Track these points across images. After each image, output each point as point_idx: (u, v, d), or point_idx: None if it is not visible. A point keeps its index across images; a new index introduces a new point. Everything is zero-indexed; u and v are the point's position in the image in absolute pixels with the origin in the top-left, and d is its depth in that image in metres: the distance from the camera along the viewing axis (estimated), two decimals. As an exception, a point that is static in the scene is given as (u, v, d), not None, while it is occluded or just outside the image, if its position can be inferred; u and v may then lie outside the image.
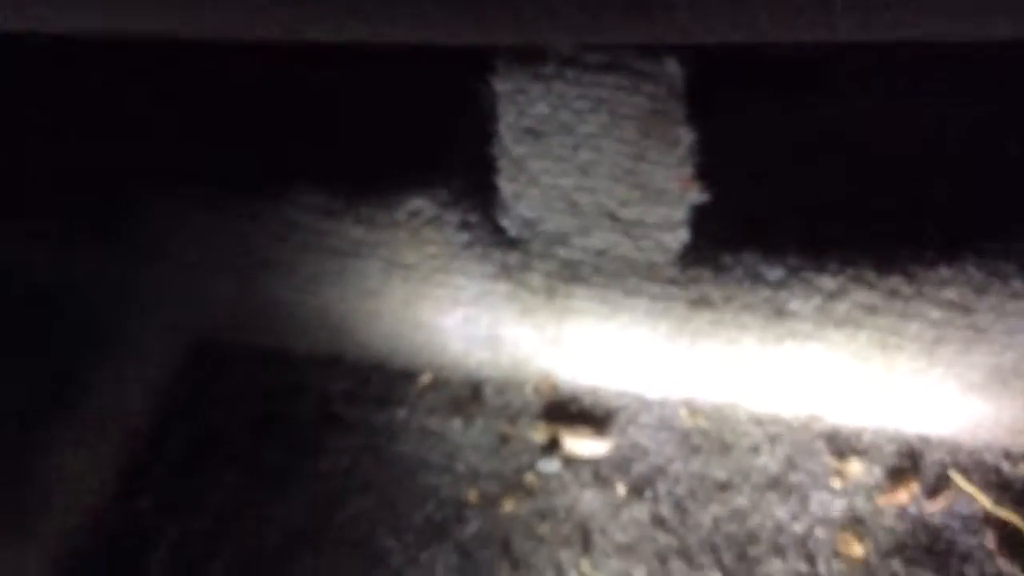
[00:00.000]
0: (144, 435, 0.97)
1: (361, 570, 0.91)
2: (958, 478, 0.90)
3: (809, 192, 0.82)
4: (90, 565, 0.91)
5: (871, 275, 0.76)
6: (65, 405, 0.94)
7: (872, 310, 0.77)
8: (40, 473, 0.91)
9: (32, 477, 0.91)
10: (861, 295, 0.76)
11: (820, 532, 0.90)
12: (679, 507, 0.93)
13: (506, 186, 0.80)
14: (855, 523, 0.90)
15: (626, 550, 0.91)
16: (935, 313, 0.75)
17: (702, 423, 0.97)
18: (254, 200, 0.84)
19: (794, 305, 0.80)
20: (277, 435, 0.98)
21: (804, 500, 0.91)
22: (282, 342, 1.00)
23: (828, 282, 0.77)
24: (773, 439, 0.95)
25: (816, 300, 0.79)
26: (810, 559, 0.89)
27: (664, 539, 0.91)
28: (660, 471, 0.95)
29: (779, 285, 0.77)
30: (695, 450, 0.97)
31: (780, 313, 0.79)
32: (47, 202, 0.90)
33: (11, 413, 0.92)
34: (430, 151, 0.89)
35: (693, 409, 0.97)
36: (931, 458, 0.93)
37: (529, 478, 0.96)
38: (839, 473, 0.92)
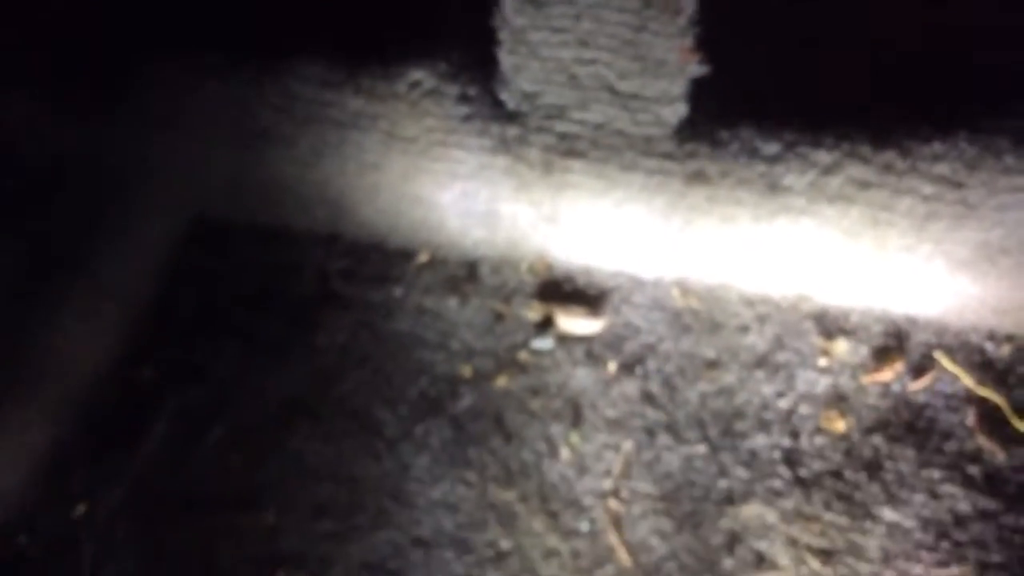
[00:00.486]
0: (146, 306, 0.98)
1: (357, 439, 0.93)
2: (942, 358, 0.91)
3: (808, 69, 0.83)
4: (92, 430, 0.92)
5: (866, 150, 0.77)
6: (68, 274, 0.95)
7: (865, 185, 0.78)
8: (44, 341, 0.92)
9: (36, 345, 0.92)
10: (855, 170, 0.77)
11: (804, 409, 0.91)
12: (668, 384, 0.95)
13: (506, 59, 0.81)
14: (839, 400, 0.92)
15: (615, 424, 0.93)
16: (927, 188, 0.76)
17: (693, 303, 0.98)
18: (256, 69, 0.84)
19: (789, 180, 0.80)
20: (276, 310, 0.99)
21: (790, 378, 0.93)
22: (282, 219, 1.00)
23: (823, 156, 0.78)
24: (762, 319, 0.96)
25: (811, 175, 0.79)
26: (794, 434, 0.91)
27: (652, 414, 0.93)
28: (650, 349, 0.97)
29: (775, 160, 0.78)
30: (685, 329, 0.98)
31: (774, 188, 0.80)
32: (50, 68, 0.90)
33: (14, 282, 0.93)
34: (431, 22, 0.89)
35: (685, 289, 0.98)
36: (917, 338, 0.94)
37: (522, 355, 0.97)
38: (825, 352, 0.93)
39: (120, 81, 0.89)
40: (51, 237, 0.95)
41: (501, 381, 0.96)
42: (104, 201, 0.96)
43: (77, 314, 0.94)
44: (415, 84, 0.84)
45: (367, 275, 1.02)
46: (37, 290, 0.94)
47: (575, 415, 0.94)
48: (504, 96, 0.85)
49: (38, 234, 0.94)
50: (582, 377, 0.95)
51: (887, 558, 0.82)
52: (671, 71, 0.78)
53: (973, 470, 0.86)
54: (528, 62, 0.81)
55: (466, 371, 0.96)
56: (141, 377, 0.98)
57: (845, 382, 0.92)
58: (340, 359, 0.98)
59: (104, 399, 0.97)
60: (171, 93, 0.88)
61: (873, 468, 0.86)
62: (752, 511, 0.85)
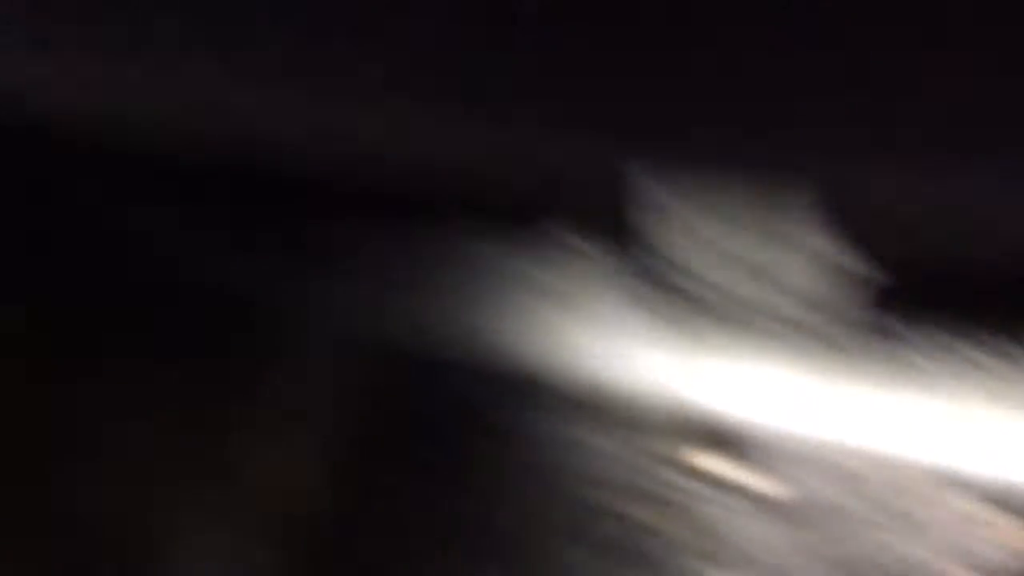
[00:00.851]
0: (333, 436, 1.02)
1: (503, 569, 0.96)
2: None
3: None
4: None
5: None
6: (254, 401, 1.00)
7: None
8: (241, 470, 0.97)
9: (236, 474, 0.97)
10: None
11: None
12: (816, 530, 0.94)
13: (648, 225, 0.83)
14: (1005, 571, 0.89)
15: (757, 566, 0.93)
16: None
17: (848, 461, 0.97)
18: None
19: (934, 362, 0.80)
20: (425, 438, 1.03)
21: (952, 544, 0.89)
22: (430, 349, 1.04)
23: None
24: (914, 482, 0.95)
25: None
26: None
27: (796, 560, 0.93)
28: (800, 498, 0.96)
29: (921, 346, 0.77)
30: (835, 480, 0.98)
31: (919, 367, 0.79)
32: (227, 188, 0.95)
33: (201, 412, 0.98)
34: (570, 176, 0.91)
35: (839, 447, 0.97)
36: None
37: (664, 490, 0.98)
38: (991, 526, 0.91)
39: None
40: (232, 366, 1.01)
41: (641, 513, 0.97)
42: (283, 330, 1.01)
43: (269, 443, 0.99)
44: (556, 233, 0.87)
45: (514, 406, 1.05)
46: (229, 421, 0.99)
47: (717, 552, 0.95)
48: (643, 253, 0.87)
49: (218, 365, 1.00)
50: (727, 517, 0.96)
51: None
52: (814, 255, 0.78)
53: None
54: (670, 230, 0.82)
55: (607, 501, 0.98)
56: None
57: (1008, 559, 0.90)
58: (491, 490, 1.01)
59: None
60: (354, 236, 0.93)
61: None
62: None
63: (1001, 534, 0.88)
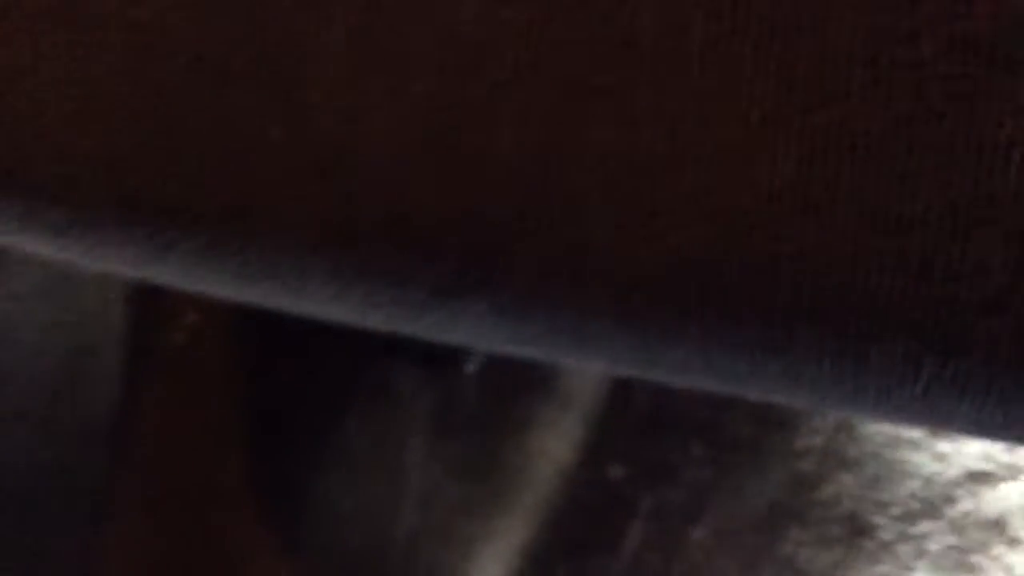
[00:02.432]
0: (602, 405, 0.98)
1: (851, 544, 0.90)
2: None
3: None
4: (569, 532, 0.91)
5: None
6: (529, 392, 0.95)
7: None
8: (512, 448, 0.92)
9: (506, 452, 0.92)
10: None
11: None
12: None
13: None
14: None
15: None
16: None
17: None
18: None
19: None
20: (743, 410, 0.98)
21: None
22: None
23: None
24: None
25: None
26: None
27: None
28: None
29: None
30: None
31: None
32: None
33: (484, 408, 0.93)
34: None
35: None
36: None
37: (1022, 461, 0.94)
38: None
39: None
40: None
41: (999, 487, 0.92)
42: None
43: (541, 425, 0.94)
44: None
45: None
46: (503, 410, 0.94)
47: None
48: None
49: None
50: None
51: None
52: None
53: None
54: None
55: (956, 473, 0.93)
56: (610, 477, 0.97)
57: None
58: (820, 462, 0.95)
59: (577, 500, 0.96)
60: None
61: None
62: None
63: None
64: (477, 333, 0.34)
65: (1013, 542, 0.84)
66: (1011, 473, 0.88)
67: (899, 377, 0.28)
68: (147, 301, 0.89)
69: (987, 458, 0.90)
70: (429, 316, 0.33)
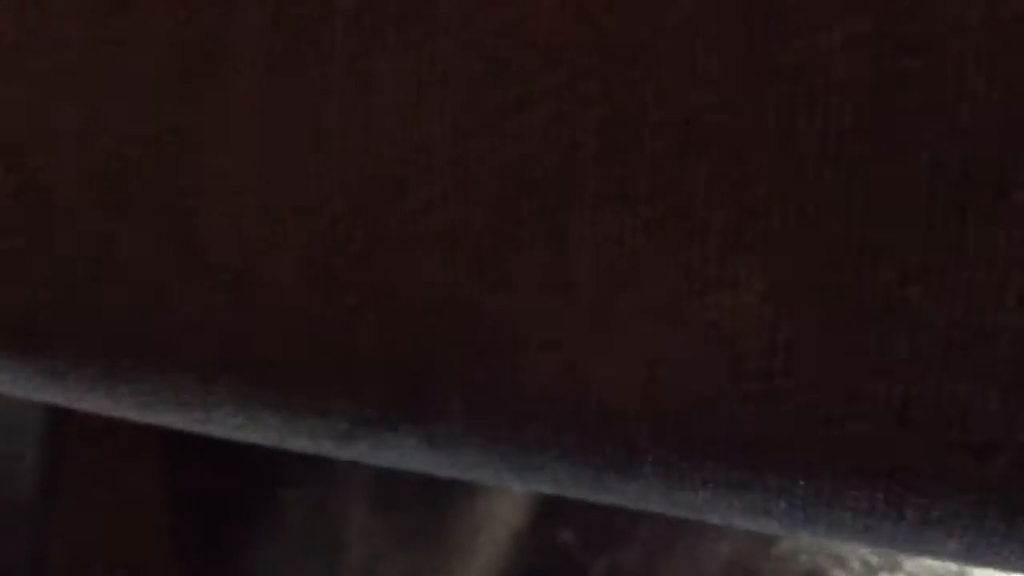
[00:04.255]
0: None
1: (811, 603, 0.87)
2: None
3: None
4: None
5: None
6: None
7: None
8: (464, 514, 0.89)
9: (457, 518, 0.89)
10: None
11: None
12: None
13: None
14: None
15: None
16: None
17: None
18: None
19: None
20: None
21: None
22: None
23: None
24: None
25: None
26: None
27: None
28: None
29: None
30: None
31: None
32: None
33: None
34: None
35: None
36: None
37: None
38: None
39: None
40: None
41: None
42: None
43: (490, 490, 0.91)
44: None
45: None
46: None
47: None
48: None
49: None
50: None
51: None
52: None
53: None
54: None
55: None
56: (562, 541, 0.94)
57: None
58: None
59: (529, 566, 0.92)
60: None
61: None
62: None
63: None
64: (409, 462, 0.31)
65: (974, 594, 0.82)
66: (969, 522, 0.87)
67: (879, 517, 0.25)
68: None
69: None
70: (353, 446, 0.30)
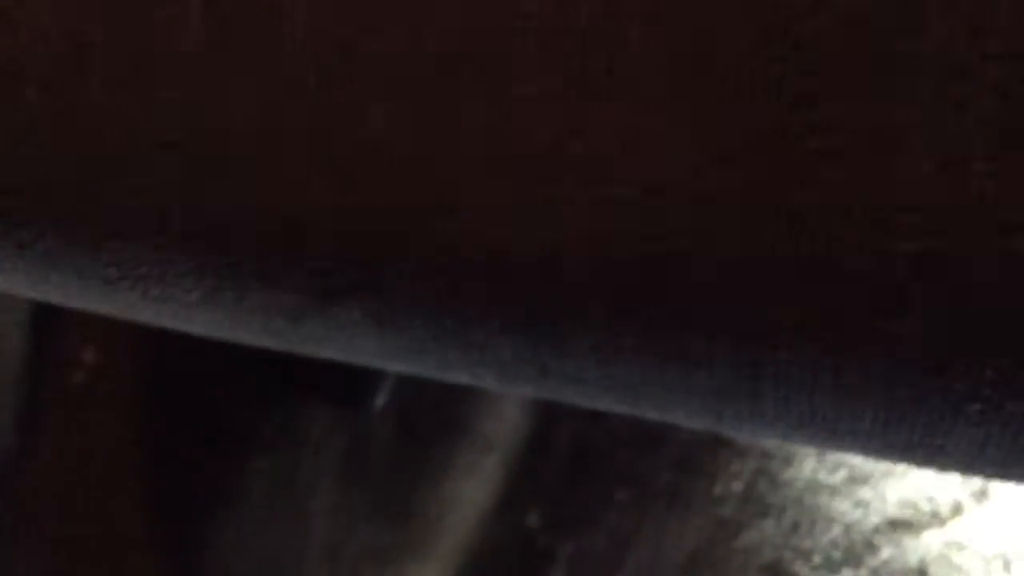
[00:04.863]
0: (523, 450, 0.95)
1: None
2: None
3: None
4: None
5: None
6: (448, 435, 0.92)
7: None
8: (433, 500, 0.89)
9: (427, 503, 0.89)
10: None
11: None
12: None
13: None
14: None
15: None
16: None
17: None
18: None
19: None
20: (664, 455, 0.95)
21: None
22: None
23: None
24: None
25: None
26: None
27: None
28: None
29: None
30: None
31: None
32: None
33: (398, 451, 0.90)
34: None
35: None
36: None
37: (943, 509, 0.93)
38: None
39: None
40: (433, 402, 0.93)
41: (922, 534, 0.91)
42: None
43: (460, 470, 0.91)
44: None
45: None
46: (420, 453, 0.92)
47: (1005, 572, 0.89)
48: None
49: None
50: (1011, 533, 0.90)
51: None
52: None
53: None
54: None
55: (878, 521, 0.91)
56: (530, 524, 0.94)
57: None
58: (741, 508, 0.93)
59: (495, 548, 0.93)
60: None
61: None
62: None
63: None
64: (355, 345, 0.32)
65: (935, 591, 0.83)
66: (933, 521, 0.87)
67: (796, 385, 0.26)
68: (45, 339, 0.85)
69: (909, 505, 0.89)
70: (302, 326, 0.31)
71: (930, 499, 0.92)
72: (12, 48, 0.28)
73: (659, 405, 0.30)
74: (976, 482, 0.92)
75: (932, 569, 0.84)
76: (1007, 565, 0.84)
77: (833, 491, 0.92)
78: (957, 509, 0.91)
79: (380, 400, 0.81)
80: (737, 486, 0.93)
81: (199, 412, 0.82)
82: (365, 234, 0.27)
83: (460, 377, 0.32)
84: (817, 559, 0.85)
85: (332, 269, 0.28)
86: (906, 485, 0.93)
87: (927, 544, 0.86)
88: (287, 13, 0.25)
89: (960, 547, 0.85)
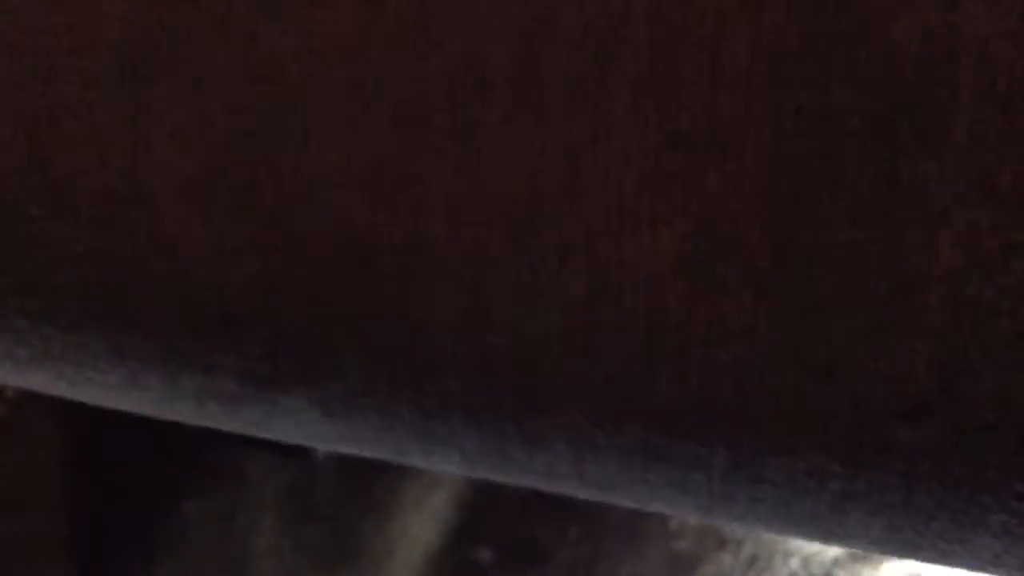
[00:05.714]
0: (475, 484, 0.92)
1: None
2: None
3: None
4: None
5: None
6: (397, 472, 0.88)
7: None
8: (374, 531, 0.86)
9: (367, 536, 0.85)
10: None
11: None
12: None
13: None
14: None
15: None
16: None
17: None
18: None
19: None
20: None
21: None
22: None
23: None
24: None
25: None
26: None
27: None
28: None
29: None
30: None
31: None
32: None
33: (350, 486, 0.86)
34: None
35: None
36: None
37: None
38: None
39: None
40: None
41: (881, 566, 0.89)
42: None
43: (407, 506, 0.88)
44: None
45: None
46: (366, 490, 0.88)
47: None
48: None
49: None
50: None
51: None
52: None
53: None
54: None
55: (838, 554, 0.90)
56: (479, 560, 0.91)
57: None
58: (698, 541, 0.91)
59: (443, 585, 0.89)
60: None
61: None
62: None
63: None
64: (301, 431, 0.28)
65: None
66: (891, 551, 0.86)
67: (800, 491, 0.23)
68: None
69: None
70: (243, 411, 0.27)
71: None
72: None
73: (641, 501, 0.27)
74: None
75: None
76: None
77: (791, 522, 0.91)
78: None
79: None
80: (693, 520, 0.91)
81: (132, 451, 0.78)
82: (313, 319, 0.24)
83: (418, 463, 0.29)
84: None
85: (276, 356, 0.25)
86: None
87: (886, 575, 0.84)
88: (208, 80, 0.22)
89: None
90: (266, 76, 0.22)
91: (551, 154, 0.20)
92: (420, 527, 0.85)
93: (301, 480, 0.82)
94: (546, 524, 0.89)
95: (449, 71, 0.19)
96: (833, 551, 0.88)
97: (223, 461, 0.79)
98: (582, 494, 0.28)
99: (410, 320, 0.22)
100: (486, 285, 0.22)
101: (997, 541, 0.24)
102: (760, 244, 0.20)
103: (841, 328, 0.20)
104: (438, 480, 0.91)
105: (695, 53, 0.19)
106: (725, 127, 0.20)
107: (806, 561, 0.87)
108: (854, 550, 0.87)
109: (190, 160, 0.21)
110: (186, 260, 0.23)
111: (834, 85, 0.19)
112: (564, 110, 0.20)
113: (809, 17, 0.19)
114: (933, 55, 0.18)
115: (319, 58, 0.20)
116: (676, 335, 0.21)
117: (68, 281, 0.24)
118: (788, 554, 0.87)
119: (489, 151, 0.21)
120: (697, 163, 0.20)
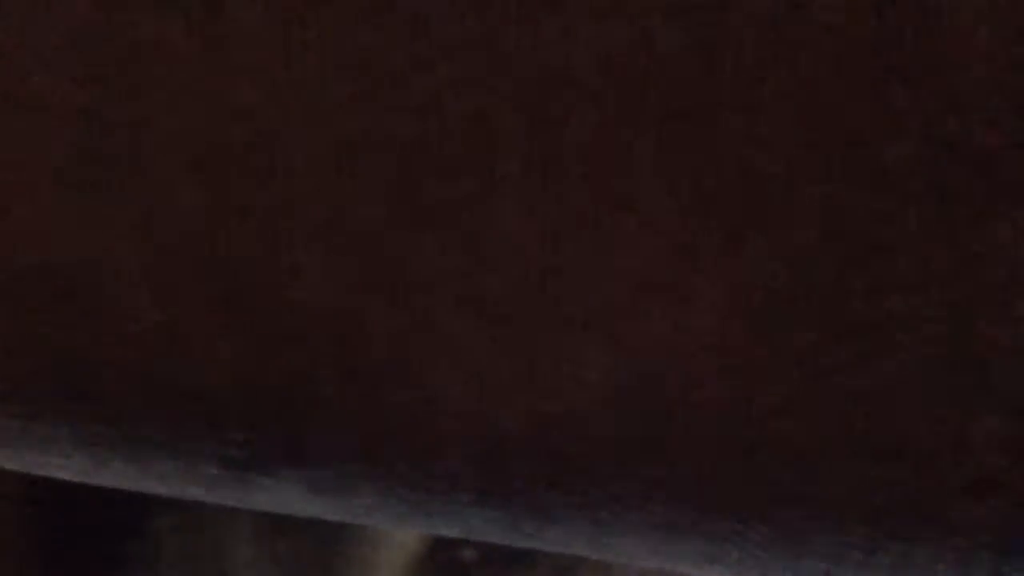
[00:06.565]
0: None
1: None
2: None
3: None
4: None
5: None
6: None
7: None
8: (354, 539, 0.84)
9: (347, 544, 0.84)
10: None
11: None
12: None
13: None
14: None
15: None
16: None
17: None
18: None
19: None
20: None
21: None
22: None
23: None
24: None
25: None
26: None
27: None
28: None
29: None
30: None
31: None
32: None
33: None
34: None
35: None
36: None
37: None
38: None
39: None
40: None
41: None
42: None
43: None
44: None
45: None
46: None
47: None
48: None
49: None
50: None
51: None
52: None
53: None
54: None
55: None
56: (465, 559, 0.89)
57: None
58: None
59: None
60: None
61: None
62: None
63: None
64: (291, 507, 0.26)
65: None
66: None
67: (851, 566, 0.22)
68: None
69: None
70: (226, 493, 0.25)
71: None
72: None
73: (667, 566, 0.25)
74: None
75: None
76: None
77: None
78: None
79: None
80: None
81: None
82: (295, 406, 0.22)
83: (418, 530, 0.27)
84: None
85: (257, 441, 0.23)
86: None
87: None
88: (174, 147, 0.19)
89: None
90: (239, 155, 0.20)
91: (568, 221, 0.18)
92: (402, 533, 0.84)
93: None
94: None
95: (454, 131, 0.17)
96: None
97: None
98: (606, 560, 0.26)
99: (412, 402, 0.20)
100: (498, 366, 0.19)
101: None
102: (807, 318, 0.18)
103: (903, 407, 0.18)
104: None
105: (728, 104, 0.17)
106: (765, 186, 0.18)
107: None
108: None
109: (150, 245, 0.19)
110: (156, 347, 0.20)
111: (891, 137, 0.17)
112: (583, 172, 0.17)
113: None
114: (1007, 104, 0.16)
115: (290, 126, 0.17)
116: (710, 418, 0.19)
117: (28, 371, 0.21)
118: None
119: (500, 218, 0.18)
120: (733, 228, 0.18)
